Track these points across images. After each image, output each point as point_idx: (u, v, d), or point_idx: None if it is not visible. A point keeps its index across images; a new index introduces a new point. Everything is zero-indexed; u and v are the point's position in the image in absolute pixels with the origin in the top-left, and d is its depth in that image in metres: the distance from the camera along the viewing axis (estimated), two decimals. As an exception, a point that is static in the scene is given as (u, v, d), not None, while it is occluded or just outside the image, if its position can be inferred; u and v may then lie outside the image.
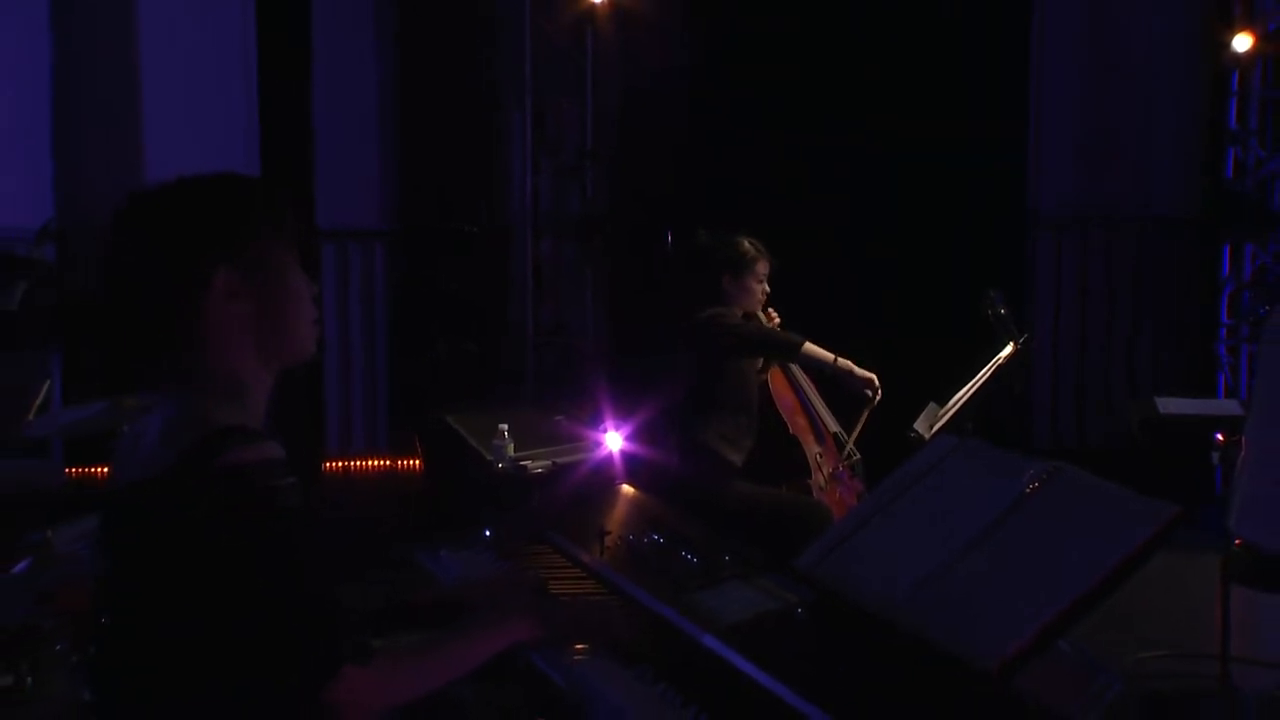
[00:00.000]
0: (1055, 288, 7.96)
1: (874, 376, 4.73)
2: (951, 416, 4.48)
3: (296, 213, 2.04)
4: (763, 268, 4.78)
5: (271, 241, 1.96)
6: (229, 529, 1.74)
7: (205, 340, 1.90)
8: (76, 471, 6.22)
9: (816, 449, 4.82)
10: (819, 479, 4.75)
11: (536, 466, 5.21)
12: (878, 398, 4.74)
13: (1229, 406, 5.74)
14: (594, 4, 7.71)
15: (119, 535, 1.93)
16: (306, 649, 1.77)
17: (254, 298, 1.93)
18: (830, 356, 4.69)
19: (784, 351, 4.74)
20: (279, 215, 1.99)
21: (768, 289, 4.84)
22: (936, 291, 6.83)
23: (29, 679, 3.06)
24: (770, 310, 4.97)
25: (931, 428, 4.45)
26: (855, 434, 4.89)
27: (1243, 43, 7.30)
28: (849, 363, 4.71)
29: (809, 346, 4.66)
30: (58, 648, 3.09)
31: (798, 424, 4.81)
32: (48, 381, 5.47)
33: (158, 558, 1.82)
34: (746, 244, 4.76)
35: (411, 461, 7.85)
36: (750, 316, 4.85)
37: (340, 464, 7.99)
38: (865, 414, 4.82)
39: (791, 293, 5.00)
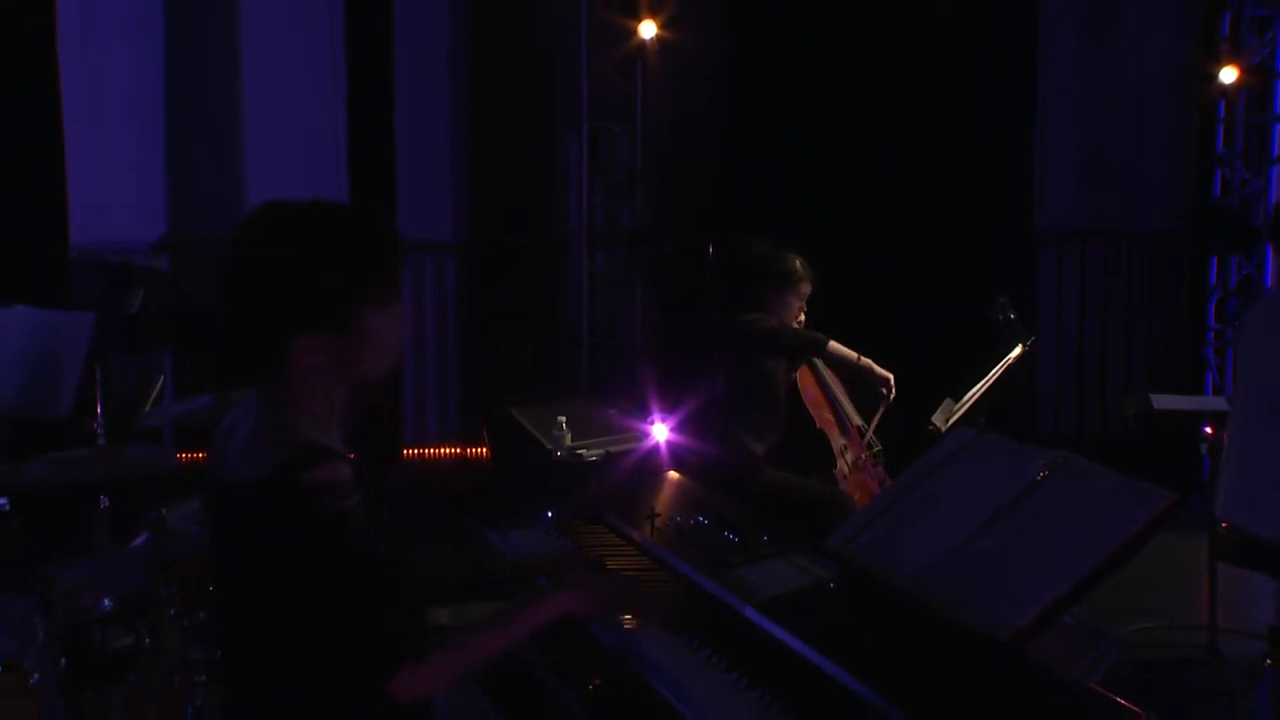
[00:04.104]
0: (1057, 295, 7.93)
1: (891, 376, 4.67)
2: (966, 411, 4.46)
3: (394, 261, 1.95)
4: (806, 288, 4.65)
5: (359, 305, 1.88)
6: (305, 540, 1.80)
7: (287, 378, 1.90)
8: (186, 457, 6.27)
9: (841, 440, 4.78)
10: (843, 467, 4.71)
11: (591, 454, 5.20)
12: (892, 395, 4.67)
13: (1217, 403, 5.67)
14: (643, 40, 7.71)
15: (220, 524, 1.99)
16: (364, 648, 1.81)
17: (333, 352, 1.89)
18: (854, 355, 4.63)
19: (812, 347, 4.64)
20: (372, 278, 1.90)
21: (805, 308, 4.76)
22: (950, 298, 6.80)
23: (147, 640, 3.10)
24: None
25: (948, 421, 4.42)
26: (873, 426, 4.84)
27: (1229, 75, 7.32)
28: (870, 361, 4.65)
29: (834, 344, 4.61)
30: (172, 612, 3.13)
31: (823, 418, 4.77)
32: (161, 377, 5.54)
33: (249, 551, 1.89)
34: (797, 263, 4.62)
35: (479, 449, 7.88)
36: None
37: (416, 451, 8.03)
38: (881, 409, 4.76)
39: (817, 299, 4.95)
